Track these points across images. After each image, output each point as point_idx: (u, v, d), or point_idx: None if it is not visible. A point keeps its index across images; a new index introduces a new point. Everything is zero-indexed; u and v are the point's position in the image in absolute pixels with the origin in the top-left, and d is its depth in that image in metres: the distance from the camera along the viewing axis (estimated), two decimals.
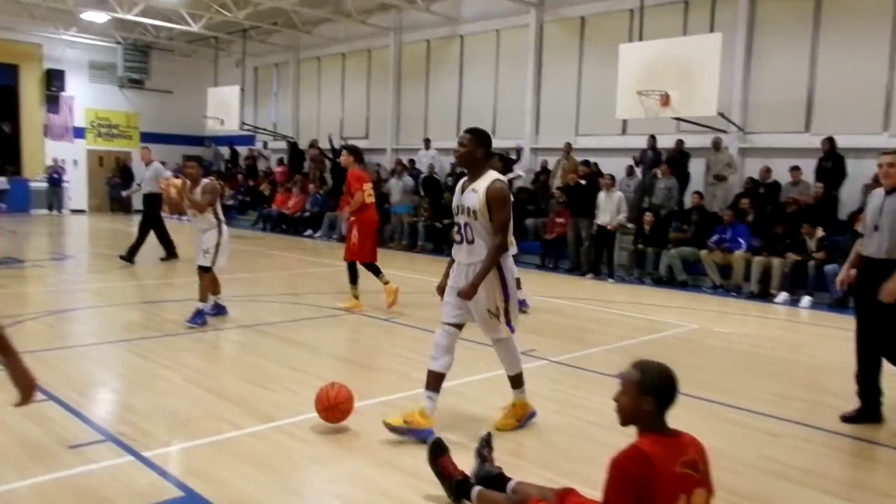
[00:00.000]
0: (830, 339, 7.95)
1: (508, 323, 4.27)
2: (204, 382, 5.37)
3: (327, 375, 5.39)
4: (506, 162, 14.97)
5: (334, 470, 3.85)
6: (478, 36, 17.11)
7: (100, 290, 9.70)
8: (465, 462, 3.41)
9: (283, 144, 22.12)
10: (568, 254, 12.87)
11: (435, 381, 4.21)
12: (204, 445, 4.06)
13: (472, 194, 4.11)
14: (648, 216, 12.01)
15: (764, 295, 10.43)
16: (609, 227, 11.78)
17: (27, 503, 3.31)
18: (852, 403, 4.92)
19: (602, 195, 11.88)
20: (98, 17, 19.71)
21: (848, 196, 11.22)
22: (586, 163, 13.69)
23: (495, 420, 4.43)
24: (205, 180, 7.33)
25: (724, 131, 12.57)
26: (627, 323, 8.50)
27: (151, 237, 11.88)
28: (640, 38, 12.59)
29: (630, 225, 12.48)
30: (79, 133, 23.47)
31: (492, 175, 4.13)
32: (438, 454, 3.37)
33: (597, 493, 2.52)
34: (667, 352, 6.74)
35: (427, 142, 17.23)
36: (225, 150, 24.45)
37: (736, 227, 11.08)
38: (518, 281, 7.73)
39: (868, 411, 4.84)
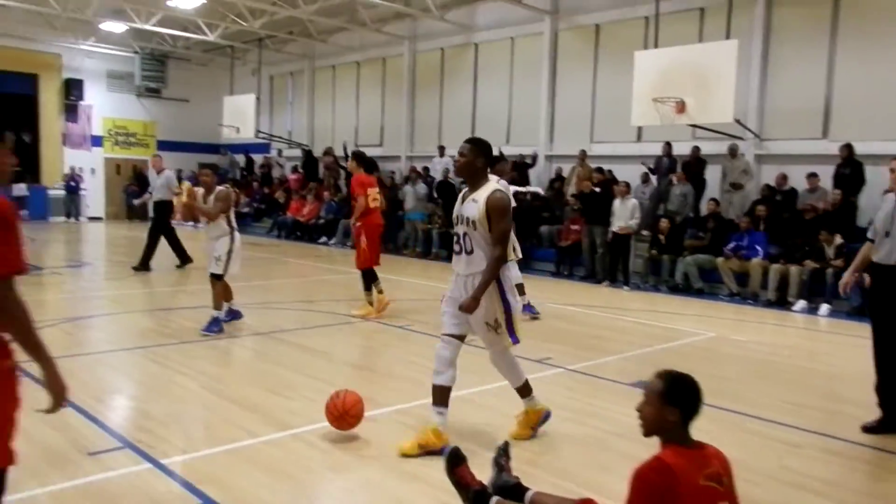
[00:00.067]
0: (849, 347, 7.84)
1: (512, 334, 4.19)
2: (220, 390, 5.38)
3: (342, 383, 5.39)
4: (521, 168, 15.02)
5: (351, 478, 3.85)
6: (492, 44, 17.13)
7: (116, 297, 9.77)
8: (482, 472, 3.40)
9: (298, 152, 22.25)
10: (583, 261, 12.83)
11: (442, 396, 4.16)
12: (221, 453, 4.07)
13: (472, 204, 4.06)
14: (664, 222, 11.95)
15: (781, 303, 10.33)
16: (619, 231, 11.74)
17: None
18: (872, 413, 4.85)
19: (617, 202, 11.85)
20: (116, 27, 19.95)
21: (867, 203, 11.09)
22: (600, 170, 13.65)
23: (510, 431, 4.40)
24: (219, 188, 7.37)
25: (740, 138, 12.50)
26: (643, 331, 8.45)
27: (164, 244, 11.99)
28: (656, 46, 12.55)
29: (645, 232, 12.43)
30: (97, 141, 23.73)
31: (492, 185, 4.09)
32: (456, 464, 3.35)
33: (615, 503, 2.50)
34: (684, 360, 6.69)
35: (441, 149, 17.26)
36: (240, 158, 24.62)
37: (753, 235, 11.00)
38: (521, 287, 7.78)
39: (889, 421, 4.77)
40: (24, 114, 21.94)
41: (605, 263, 12.25)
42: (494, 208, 3.99)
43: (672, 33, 12.77)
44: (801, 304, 10.13)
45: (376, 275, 8.46)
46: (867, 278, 5.00)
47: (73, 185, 22.40)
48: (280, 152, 23.32)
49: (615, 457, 4.16)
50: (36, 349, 2.29)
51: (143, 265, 11.72)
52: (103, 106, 23.68)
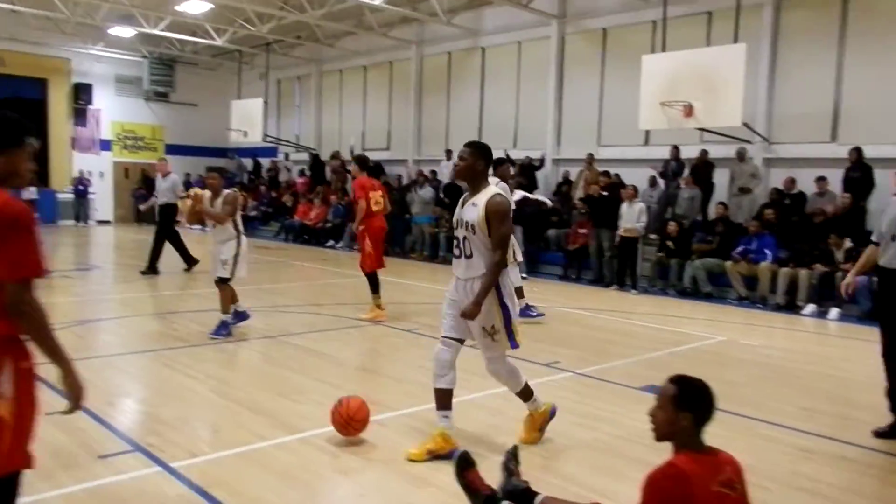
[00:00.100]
0: (860, 351, 7.79)
1: (512, 339, 4.13)
2: (229, 393, 5.39)
3: (351, 387, 5.40)
4: (528, 170, 15.03)
5: (361, 482, 3.84)
6: (499, 48, 17.14)
7: (125, 300, 9.81)
8: (491, 476, 3.39)
9: (305, 156, 22.30)
10: (591, 265, 12.81)
11: (445, 399, 4.14)
12: (230, 456, 4.07)
13: (472, 208, 4.04)
14: (672, 225, 11.92)
15: (791, 307, 10.29)
16: (624, 233, 11.71)
17: None
18: (884, 418, 4.82)
19: (624, 206, 11.82)
20: (125, 32, 20.08)
21: (876, 206, 11.00)
22: (606, 174, 13.64)
23: (518, 435, 4.37)
24: (226, 191, 7.38)
25: (748, 141, 12.46)
26: (652, 335, 8.42)
27: (169, 247, 12.03)
28: (664, 50, 12.53)
29: (653, 235, 12.40)
30: (105, 145, 23.84)
31: (492, 189, 4.08)
32: (466, 468, 3.35)
33: None
34: (693, 364, 6.66)
35: (448, 153, 17.26)
36: (248, 162, 24.70)
37: (762, 238, 10.96)
38: (520, 290, 7.77)
39: None
40: (34, 118, 21.96)
41: (613, 267, 12.23)
42: (494, 212, 3.97)
43: (680, 37, 12.75)
44: (810, 307, 10.08)
45: (378, 283, 8.49)
46: (875, 281, 4.97)
47: (81, 189, 22.52)
48: (287, 156, 23.39)
49: (624, 461, 4.15)
50: (53, 351, 2.33)
51: (151, 268, 11.77)
52: (112, 110, 23.79)
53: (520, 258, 7.63)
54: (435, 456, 4.03)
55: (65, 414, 2.39)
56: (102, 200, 23.52)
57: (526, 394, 4.38)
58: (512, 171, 15.22)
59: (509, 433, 4.41)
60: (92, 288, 10.94)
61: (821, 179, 11.52)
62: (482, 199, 4.02)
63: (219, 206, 7.20)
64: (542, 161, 15.54)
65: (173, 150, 23.94)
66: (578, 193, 14.27)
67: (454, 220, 4.23)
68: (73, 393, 2.39)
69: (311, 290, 11.26)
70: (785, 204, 11.81)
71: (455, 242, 4.19)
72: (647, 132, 13.91)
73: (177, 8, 17.37)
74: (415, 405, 5.06)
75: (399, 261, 15.04)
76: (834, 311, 9.81)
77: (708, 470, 2.28)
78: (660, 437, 2.39)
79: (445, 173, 17.06)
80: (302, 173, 21.76)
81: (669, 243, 11.79)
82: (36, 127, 2.51)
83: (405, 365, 6.66)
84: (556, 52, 15.74)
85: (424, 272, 13.39)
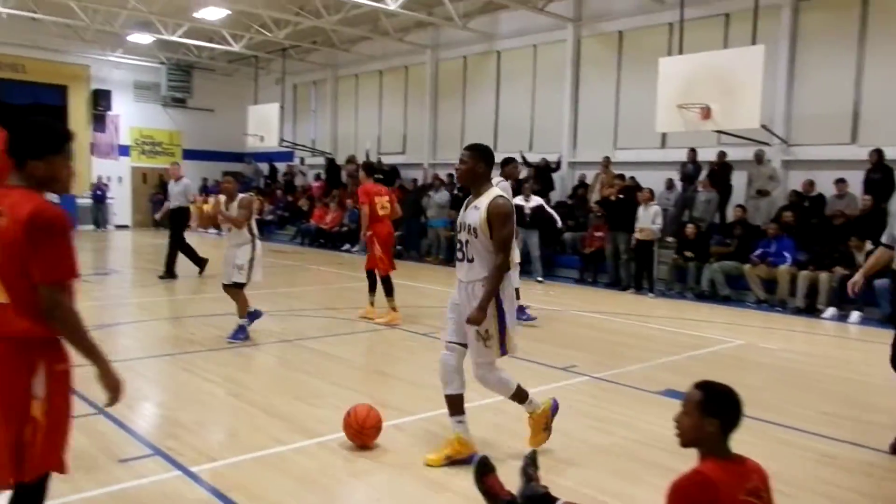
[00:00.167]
0: (882, 355, 7.59)
1: (503, 346, 4.04)
2: (247, 397, 5.42)
3: (368, 391, 5.42)
4: (544, 172, 15.00)
5: (378, 487, 3.84)
6: (515, 52, 17.13)
7: (144, 304, 9.89)
8: (509, 481, 3.38)
9: (321, 160, 22.41)
10: (607, 268, 12.76)
11: (456, 405, 4.11)
12: (248, 460, 4.09)
13: (474, 211, 4.01)
14: (690, 227, 11.84)
15: (811, 310, 10.18)
16: (639, 236, 11.65)
17: None
18: None
19: (641, 209, 11.77)
20: (143, 38, 20.30)
21: None
22: (621, 177, 13.57)
23: (528, 441, 4.24)
24: (241, 195, 7.41)
25: (766, 143, 12.36)
26: (669, 338, 8.36)
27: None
28: (680, 52, 12.46)
29: (670, 238, 12.33)
30: (124, 151, 24.08)
31: (494, 191, 4.05)
32: (485, 473, 3.34)
33: None
34: (712, 368, 6.62)
35: None
36: (264, 167, 24.84)
37: (781, 241, 10.86)
38: (517, 291, 7.74)
39: None
40: None
41: (630, 270, 12.18)
42: (496, 215, 3.93)
43: (696, 39, 12.68)
44: (830, 311, 9.97)
45: (376, 284, 8.61)
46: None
47: (99, 194, 22.76)
48: (303, 160, 23.50)
49: (643, 466, 4.12)
50: (90, 351, 2.44)
51: (169, 272, 11.86)
52: (130, 116, 24.04)
53: (518, 259, 7.62)
54: (453, 461, 4.02)
55: (105, 406, 2.55)
56: (121, 205, 23.77)
57: (520, 397, 4.24)
58: (525, 172, 15.29)
59: (526, 438, 4.38)
60: (110, 292, 11.04)
61: (840, 181, 11.40)
62: (484, 201, 3.99)
63: (234, 210, 7.24)
64: (558, 163, 15.51)
65: (190, 155, 24.21)
66: (595, 196, 14.22)
67: (457, 223, 4.21)
68: (111, 388, 2.49)
69: (327, 293, 11.30)
70: (804, 206, 11.70)
71: (458, 245, 4.16)
72: (664, 135, 13.84)
73: (194, 15, 17.52)
74: (432, 409, 5.05)
75: (414, 264, 15.06)
76: (855, 315, 9.69)
77: (735, 478, 2.24)
78: (685, 443, 2.34)
79: None
80: (318, 177, 21.85)
81: (689, 253, 11.67)
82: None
83: (421, 368, 6.65)
84: (572, 56, 15.71)
85: (440, 276, 13.38)
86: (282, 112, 20.97)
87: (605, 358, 7.03)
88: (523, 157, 15.39)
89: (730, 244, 11.70)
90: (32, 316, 2.33)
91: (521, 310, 8.32)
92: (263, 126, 20.73)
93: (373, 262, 8.59)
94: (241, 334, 7.22)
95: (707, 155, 13.19)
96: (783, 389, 6.12)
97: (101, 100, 23.06)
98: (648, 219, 11.66)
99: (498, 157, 5.15)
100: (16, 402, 2.33)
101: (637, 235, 11.74)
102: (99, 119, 23.27)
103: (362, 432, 4.26)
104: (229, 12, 17.32)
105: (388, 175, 18.55)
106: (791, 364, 7.15)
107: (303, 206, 20.74)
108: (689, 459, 2.35)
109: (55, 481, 2.61)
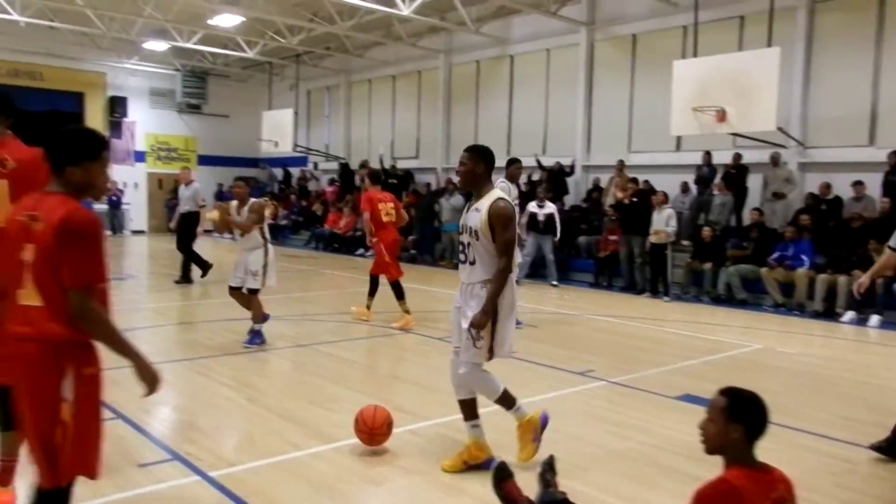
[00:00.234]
0: None
1: (491, 350, 3.96)
2: (264, 402, 5.43)
3: (384, 396, 5.42)
4: (558, 175, 14.98)
5: (394, 492, 3.84)
6: (528, 56, 17.12)
7: (160, 308, 9.96)
8: (526, 486, 3.36)
9: (334, 165, 22.50)
10: (622, 271, 12.71)
11: (470, 409, 4.09)
12: (266, 466, 4.10)
13: (475, 213, 3.97)
14: (706, 231, 11.77)
15: (829, 314, 10.08)
16: (653, 239, 11.60)
17: None
18: None
19: (655, 212, 11.72)
20: (159, 46, 20.49)
21: None
22: (634, 180, 13.53)
23: (517, 455, 4.10)
24: (252, 199, 7.45)
25: (782, 146, 12.27)
26: (686, 343, 8.31)
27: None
28: (695, 55, 12.41)
29: (685, 242, 12.25)
30: (139, 157, 24.31)
31: (496, 193, 4.01)
32: (503, 478, 3.33)
33: None
34: (729, 373, 6.57)
35: None
36: (279, 172, 24.98)
37: (798, 244, 10.77)
38: None
39: None
40: None
41: (645, 274, 12.12)
42: (497, 217, 3.89)
43: (711, 42, 12.61)
44: (849, 315, 9.86)
45: (377, 288, 8.68)
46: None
47: (114, 200, 22.97)
48: (316, 165, 23.61)
49: (661, 472, 4.09)
50: (123, 350, 2.50)
51: (185, 278, 11.94)
52: (146, 122, 24.26)
53: (519, 259, 7.62)
54: (470, 466, 4.01)
55: (144, 396, 2.63)
56: (137, 211, 23.98)
57: (506, 401, 4.13)
58: (538, 175, 15.27)
59: (546, 444, 4.35)
60: (127, 297, 11.10)
61: (858, 184, 11.29)
62: (485, 203, 3.96)
63: (245, 215, 7.28)
64: (572, 167, 15.47)
65: (205, 160, 24.37)
66: (609, 200, 14.17)
67: (460, 225, 4.18)
68: (148, 380, 2.58)
69: (342, 298, 11.31)
70: (821, 209, 11.60)
71: (460, 248, 4.14)
72: (679, 138, 13.78)
73: (209, 22, 17.68)
74: (447, 414, 5.04)
75: (428, 268, 15.07)
76: (874, 319, 9.59)
77: (760, 487, 2.20)
78: (710, 450, 2.31)
79: None
80: (331, 182, 21.95)
81: (707, 265, 11.58)
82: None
83: (436, 373, 6.64)
84: (586, 59, 15.68)
85: (454, 280, 13.28)
86: (296, 117, 21.09)
87: (621, 362, 6.99)
88: (538, 161, 15.39)
89: (746, 247, 11.61)
90: (63, 319, 2.37)
91: None
92: (277, 131, 20.85)
93: (379, 268, 8.64)
94: (256, 339, 7.24)
95: (722, 158, 13.11)
96: (802, 394, 6.06)
97: (117, 107, 23.30)
98: (662, 222, 11.60)
99: None
100: (46, 404, 2.38)
101: (651, 239, 11.70)
102: (115, 126, 23.48)
103: (374, 434, 4.26)
104: (244, 19, 17.44)
105: (401, 180, 18.61)
106: (810, 368, 7.08)
107: (317, 211, 20.83)
108: (704, 465, 2.33)
109: (76, 485, 2.63)
